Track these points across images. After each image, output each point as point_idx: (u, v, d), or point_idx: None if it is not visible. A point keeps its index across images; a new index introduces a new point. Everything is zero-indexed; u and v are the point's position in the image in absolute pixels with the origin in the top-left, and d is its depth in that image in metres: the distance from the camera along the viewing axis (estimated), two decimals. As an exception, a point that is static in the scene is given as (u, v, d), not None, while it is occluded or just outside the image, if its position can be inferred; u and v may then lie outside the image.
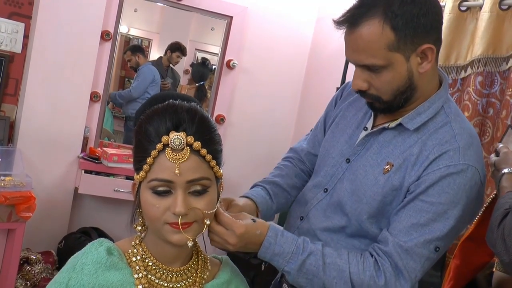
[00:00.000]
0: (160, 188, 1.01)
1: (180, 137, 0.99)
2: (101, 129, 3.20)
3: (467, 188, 1.18)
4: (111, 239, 3.38)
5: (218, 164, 1.06)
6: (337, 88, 2.77)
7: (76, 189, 3.00)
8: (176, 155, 0.99)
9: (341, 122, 1.40)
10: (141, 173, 1.02)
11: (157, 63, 3.51)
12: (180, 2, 3.16)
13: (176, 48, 3.51)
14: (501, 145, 1.41)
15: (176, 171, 0.98)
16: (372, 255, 1.21)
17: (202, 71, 3.66)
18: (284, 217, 3.03)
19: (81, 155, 3.01)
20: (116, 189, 2.95)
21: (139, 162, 1.03)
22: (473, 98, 2.34)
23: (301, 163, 1.54)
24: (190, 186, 1.01)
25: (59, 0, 2.81)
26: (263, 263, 2.96)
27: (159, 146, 0.99)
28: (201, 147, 1.00)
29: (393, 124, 1.26)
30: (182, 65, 3.62)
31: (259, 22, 3.34)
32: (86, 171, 2.95)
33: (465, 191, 1.17)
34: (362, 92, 1.24)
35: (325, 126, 1.49)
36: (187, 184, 1.00)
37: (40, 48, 2.81)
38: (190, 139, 0.99)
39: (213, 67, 3.50)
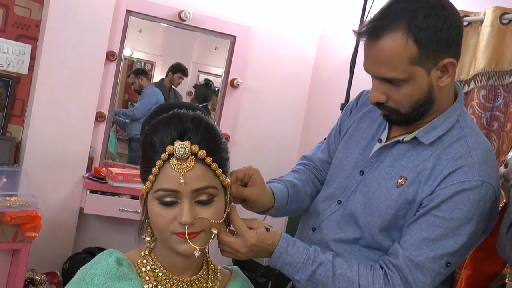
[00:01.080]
0: (166, 198, 1.00)
1: (184, 146, 0.98)
2: (106, 149, 3.21)
3: (480, 205, 1.16)
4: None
5: (225, 172, 1.05)
6: (342, 105, 2.81)
7: (81, 209, 3.00)
8: (181, 164, 0.98)
9: (355, 134, 1.38)
10: (147, 184, 1.02)
11: (160, 85, 3.54)
12: (184, 23, 3.20)
13: (178, 69, 3.54)
14: (509, 156, 1.40)
15: (181, 181, 0.98)
16: (382, 268, 1.20)
17: (206, 92, 3.68)
18: (292, 224, 3.01)
19: (86, 175, 3.02)
20: (121, 208, 2.94)
21: (145, 172, 1.03)
22: (477, 112, 2.34)
23: (317, 171, 1.51)
24: (196, 195, 1.00)
25: (65, 22, 2.85)
26: (269, 281, 2.93)
27: (163, 156, 0.99)
28: (206, 156, 1.00)
29: (408, 138, 1.24)
30: (185, 87, 3.64)
31: (262, 41, 3.37)
32: (92, 191, 2.95)
33: (479, 207, 1.16)
34: (379, 105, 1.21)
35: (340, 134, 1.46)
36: (193, 194, 0.99)
37: (46, 69, 2.84)
38: (195, 147, 0.99)
39: (216, 88, 3.52)
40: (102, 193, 2.97)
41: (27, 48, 2.86)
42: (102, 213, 3.00)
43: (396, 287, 1.16)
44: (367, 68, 1.19)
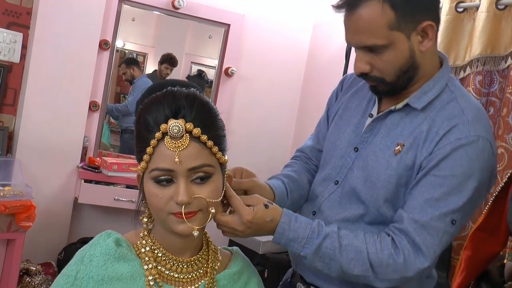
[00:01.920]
0: (162, 177, 0.98)
1: (178, 124, 0.96)
2: (101, 138, 3.18)
3: (480, 159, 1.16)
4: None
5: (222, 150, 1.03)
6: (336, 93, 2.81)
7: (75, 199, 2.98)
8: (175, 143, 0.96)
9: (345, 114, 1.39)
10: (142, 164, 1.00)
11: (153, 76, 3.51)
12: (177, 11, 3.17)
13: (164, 60, 3.49)
14: None
15: (176, 159, 0.96)
16: (388, 235, 1.19)
17: (199, 83, 3.63)
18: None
19: (81, 164, 2.99)
20: (116, 198, 2.92)
21: (140, 152, 1.01)
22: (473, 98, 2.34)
23: (308, 160, 1.53)
24: (192, 174, 0.98)
25: (57, 10, 2.81)
26: (266, 270, 2.93)
27: (157, 135, 0.97)
28: (201, 133, 0.98)
29: (400, 105, 1.25)
30: (178, 78, 3.62)
31: (257, 30, 3.36)
32: (86, 181, 2.92)
33: (478, 161, 1.16)
34: (364, 75, 1.23)
35: (328, 120, 1.48)
36: (189, 172, 0.98)
37: (38, 58, 2.80)
38: (189, 125, 0.97)
39: (210, 79, 3.51)
40: (97, 182, 2.94)
41: (19, 36, 2.81)
42: (97, 203, 2.98)
43: (405, 251, 1.15)
44: (349, 40, 1.22)
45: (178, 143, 0.96)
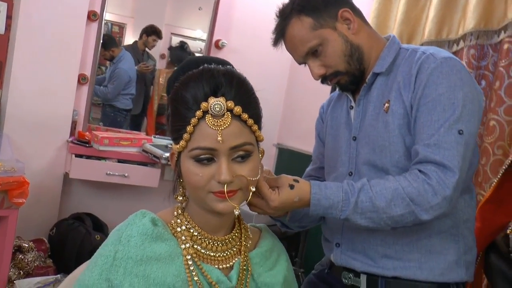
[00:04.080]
0: (203, 156, 0.98)
1: (220, 102, 0.95)
2: (90, 112, 3.11)
3: (455, 72, 1.24)
4: (105, 225, 3.30)
5: (259, 128, 1.03)
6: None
7: (66, 174, 2.92)
8: (217, 121, 0.95)
9: (334, 123, 1.49)
10: (182, 143, 0.98)
11: (133, 47, 3.44)
12: (166, -19, 3.09)
13: (152, 32, 3.45)
14: None
15: (219, 138, 0.95)
16: (413, 170, 1.21)
17: (181, 55, 3.60)
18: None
19: (70, 139, 2.93)
20: (108, 172, 2.89)
21: (177, 131, 1.00)
22: (467, 71, 2.38)
23: (317, 179, 1.56)
24: (233, 152, 0.98)
25: (43, -22, 2.70)
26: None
27: (198, 113, 0.96)
28: (242, 112, 0.97)
29: (369, 77, 1.36)
30: (158, 50, 3.55)
31: (247, 1, 3.32)
32: (77, 155, 2.86)
33: (455, 74, 1.23)
34: (324, 78, 1.37)
35: (321, 140, 1.57)
36: (230, 151, 0.97)
37: (24, 29, 2.69)
38: (231, 104, 0.96)
39: (191, 51, 3.50)
40: (88, 157, 2.89)
41: (3, 6, 2.70)
42: (88, 178, 2.93)
43: (433, 173, 1.17)
44: (297, 59, 1.38)
45: (220, 121, 0.96)
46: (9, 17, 2.73)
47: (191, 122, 0.96)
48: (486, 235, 1.55)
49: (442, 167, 1.17)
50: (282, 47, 1.39)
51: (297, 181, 1.19)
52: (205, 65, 1.01)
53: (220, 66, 1.02)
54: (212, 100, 0.95)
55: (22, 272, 2.60)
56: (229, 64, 1.07)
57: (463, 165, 1.18)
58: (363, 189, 1.18)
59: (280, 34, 1.37)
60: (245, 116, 0.98)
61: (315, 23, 1.32)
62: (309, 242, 3.01)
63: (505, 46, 2.24)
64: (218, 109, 0.95)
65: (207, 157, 0.98)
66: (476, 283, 1.63)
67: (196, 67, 1.01)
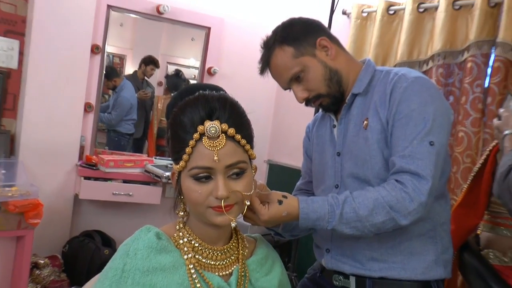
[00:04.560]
0: (201, 175, 0.98)
1: (215, 125, 0.96)
2: (96, 137, 3.13)
3: (425, 89, 1.27)
4: (112, 240, 3.28)
5: (252, 147, 1.05)
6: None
7: (76, 195, 2.93)
8: (213, 142, 0.97)
9: (319, 141, 1.51)
10: (181, 163, 0.99)
11: (133, 77, 3.48)
12: (162, 16, 3.14)
13: (150, 61, 3.48)
14: (502, 109, 1.47)
15: (215, 158, 0.96)
16: (390, 180, 1.23)
17: (177, 82, 3.64)
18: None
19: (79, 162, 2.94)
20: (114, 192, 2.90)
21: (177, 152, 1.01)
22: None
23: (306, 192, 1.58)
24: (228, 170, 0.99)
25: (50, 17, 2.74)
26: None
27: (196, 135, 0.97)
28: (235, 133, 0.99)
29: (348, 97, 1.39)
30: (156, 78, 3.58)
31: (235, 32, 3.36)
32: (86, 178, 2.88)
33: (425, 91, 1.27)
34: (307, 101, 1.40)
35: (309, 156, 1.58)
36: (226, 169, 0.98)
37: (35, 64, 2.73)
38: (225, 126, 0.97)
39: (186, 78, 3.53)
40: (95, 179, 2.91)
41: (15, 43, 2.74)
42: (96, 198, 2.94)
43: (408, 182, 1.19)
44: (282, 85, 1.40)
45: (215, 142, 0.97)
46: (21, 53, 2.77)
47: (189, 144, 0.97)
48: (460, 236, 1.56)
49: (416, 176, 1.19)
50: (268, 75, 1.41)
51: (285, 197, 1.21)
52: (200, 91, 1.02)
53: (214, 92, 1.03)
54: (208, 123, 0.97)
55: (39, 286, 2.60)
56: (222, 90, 1.09)
57: (435, 173, 1.20)
58: (346, 201, 1.20)
59: (266, 63, 1.39)
60: (238, 136, 0.99)
61: (296, 51, 1.34)
62: (300, 249, 3.01)
63: (469, 64, 2.30)
64: (213, 131, 0.96)
65: (205, 175, 0.99)
66: (451, 280, 1.65)
67: (192, 94, 1.02)
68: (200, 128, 0.97)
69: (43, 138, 2.79)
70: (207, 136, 0.97)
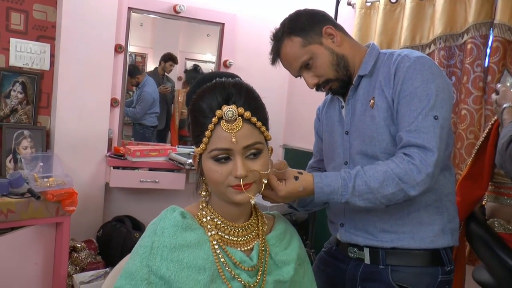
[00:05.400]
0: (220, 156, 0.99)
1: (232, 109, 0.97)
2: (122, 130, 3.15)
3: (427, 67, 1.25)
4: (142, 224, 3.31)
5: (267, 128, 1.04)
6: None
7: (107, 184, 2.96)
8: (230, 125, 0.97)
9: (329, 122, 1.49)
10: (202, 146, 1.00)
11: (154, 73, 3.48)
12: (178, 15, 3.13)
13: (169, 58, 3.48)
14: (499, 85, 1.44)
15: (233, 140, 0.97)
16: (398, 154, 1.22)
17: (195, 76, 3.63)
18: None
19: (108, 153, 2.97)
20: (141, 180, 2.92)
21: (197, 136, 1.01)
22: (439, 70, 2.37)
23: (319, 170, 1.57)
24: (246, 151, 0.99)
25: (77, 22, 2.76)
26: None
27: (214, 119, 0.97)
28: (251, 116, 0.99)
29: (355, 79, 1.37)
30: (175, 73, 3.58)
31: (247, 26, 3.34)
32: (115, 167, 2.91)
33: (427, 69, 1.25)
34: (318, 87, 1.39)
35: (319, 136, 1.58)
36: (244, 150, 0.99)
37: (65, 64, 2.76)
38: (241, 110, 0.98)
39: (203, 72, 3.50)
40: (124, 168, 2.93)
41: (47, 47, 2.76)
42: (125, 186, 2.96)
43: (415, 154, 1.18)
44: (293, 73, 1.39)
45: (233, 125, 0.97)
46: (52, 56, 2.79)
47: (208, 128, 0.98)
48: (466, 207, 1.54)
49: (423, 149, 1.18)
50: (279, 64, 1.40)
51: (301, 173, 1.20)
52: (217, 79, 1.03)
53: (230, 78, 1.04)
54: (225, 108, 0.97)
55: (78, 268, 2.64)
56: (237, 76, 1.09)
57: (440, 145, 1.20)
58: (358, 175, 1.19)
59: (276, 54, 1.38)
60: (254, 119, 0.99)
61: (304, 41, 1.33)
62: (316, 226, 3.01)
63: (469, 46, 2.26)
64: (230, 115, 0.97)
65: (224, 156, 0.99)
66: (460, 249, 1.63)
67: (210, 81, 1.03)
68: (218, 112, 0.97)
69: (74, 132, 2.82)
70: (225, 120, 0.97)
